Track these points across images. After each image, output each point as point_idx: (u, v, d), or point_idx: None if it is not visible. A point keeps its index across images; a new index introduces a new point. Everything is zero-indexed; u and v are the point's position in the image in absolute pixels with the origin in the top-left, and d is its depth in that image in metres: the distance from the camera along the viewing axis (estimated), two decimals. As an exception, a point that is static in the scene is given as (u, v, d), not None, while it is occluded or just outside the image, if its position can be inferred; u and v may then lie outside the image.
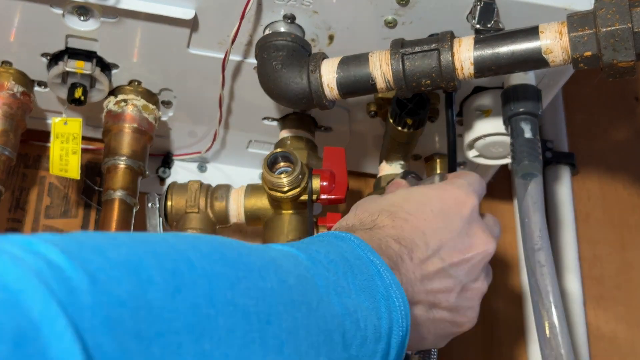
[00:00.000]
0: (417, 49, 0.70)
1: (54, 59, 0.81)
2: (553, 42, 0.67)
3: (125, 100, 0.84)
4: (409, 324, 0.54)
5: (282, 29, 0.76)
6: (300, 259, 0.50)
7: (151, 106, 0.85)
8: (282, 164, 0.79)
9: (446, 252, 0.62)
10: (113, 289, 0.37)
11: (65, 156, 0.81)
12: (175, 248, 0.42)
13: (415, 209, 0.63)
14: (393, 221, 0.61)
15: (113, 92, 0.85)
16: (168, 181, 0.97)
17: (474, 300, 0.64)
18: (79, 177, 0.81)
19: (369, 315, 0.51)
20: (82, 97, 0.81)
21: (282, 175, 0.78)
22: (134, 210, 0.83)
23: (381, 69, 0.71)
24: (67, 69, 0.80)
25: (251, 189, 0.84)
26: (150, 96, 0.86)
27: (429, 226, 0.62)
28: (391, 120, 0.81)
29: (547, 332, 0.69)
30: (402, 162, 0.86)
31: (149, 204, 0.84)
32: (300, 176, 0.78)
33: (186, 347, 0.38)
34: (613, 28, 0.64)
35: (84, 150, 0.86)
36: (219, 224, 0.85)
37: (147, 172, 0.86)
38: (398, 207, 0.63)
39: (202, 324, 0.40)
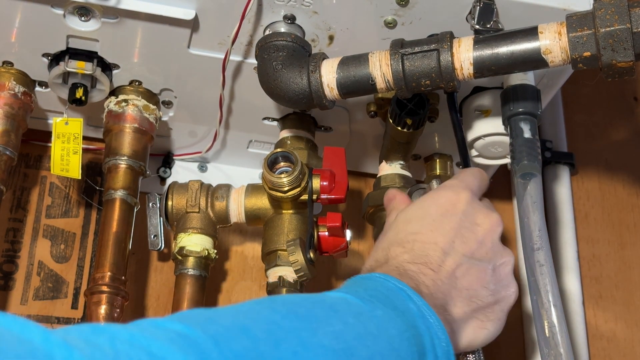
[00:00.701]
0: (416, 49, 0.70)
1: (55, 59, 0.81)
2: (552, 43, 0.67)
3: (126, 101, 0.85)
4: (447, 336, 0.59)
5: (282, 30, 0.76)
6: (349, 300, 0.57)
7: (152, 106, 0.85)
8: (282, 164, 0.79)
9: (460, 246, 0.66)
10: (233, 346, 0.46)
11: (66, 156, 0.81)
12: (262, 312, 0.52)
13: (419, 226, 0.67)
14: (403, 247, 0.66)
15: (114, 92, 0.85)
16: (169, 181, 0.97)
17: (508, 275, 0.67)
18: (79, 177, 0.81)
19: (413, 334, 0.57)
20: (83, 97, 0.82)
21: (283, 175, 0.78)
22: (135, 210, 0.84)
23: (381, 69, 0.71)
24: (68, 69, 0.80)
25: (251, 189, 0.85)
26: (150, 96, 0.86)
27: (436, 234, 0.66)
28: (391, 120, 0.82)
29: (547, 331, 0.70)
30: (402, 162, 0.86)
31: (150, 204, 0.85)
32: (300, 176, 0.78)
33: None
34: (612, 28, 0.65)
35: (84, 150, 0.86)
36: (219, 223, 0.85)
37: (147, 172, 0.86)
38: (403, 233, 0.67)
39: None
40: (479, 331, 0.66)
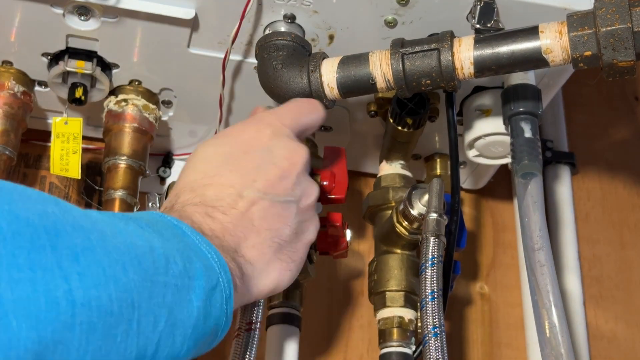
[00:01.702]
0: (417, 48, 0.70)
1: (55, 58, 0.81)
2: (553, 42, 0.67)
3: (125, 100, 0.84)
4: (227, 271, 0.56)
5: (283, 29, 0.76)
6: (105, 216, 0.52)
7: (152, 106, 0.85)
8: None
9: (260, 185, 0.63)
10: None
11: (65, 156, 0.81)
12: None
13: (217, 167, 0.63)
14: (194, 192, 0.62)
15: (113, 91, 0.85)
16: (168, 181, 0.97)
17: (310, 208, 0.66)
18: (79, 177, 0.81)
19: (179, 255, 0.53)
20: (83, 97, 0.81)
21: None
22: (135, 210, 0.84)
23: (381, 68, 0.71)
24: (68, 68, 0.80)
25: (251, 189, 0.84)
26: (150, 96, 0.86)
27: (235, 175, 0.63)
28: (391, 120, 0.82)
29: (547, 331, 0.69)
30: (402, 162, 0.86)
31: (150, 204, 0.84)
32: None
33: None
34: (613, 28, 0.65)
35: (84, 150, 0.86)
36: (219, 223, 0.85)
37: (147, 172, 0.86)
38: (200, 174, 0.63)
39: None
40: (284, 273, 0.63)
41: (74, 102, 0.81)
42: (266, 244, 0.62)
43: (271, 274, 0.62)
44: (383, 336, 0.79)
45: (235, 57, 0.81)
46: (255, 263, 0.61)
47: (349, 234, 0.80)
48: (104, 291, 0.46)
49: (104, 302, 0.46)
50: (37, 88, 0.86)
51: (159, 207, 0.83)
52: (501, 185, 1.06)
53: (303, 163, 0.66)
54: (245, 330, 0.66)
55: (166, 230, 0.55)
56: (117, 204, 0.82)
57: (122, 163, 0.83)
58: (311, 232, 0.66)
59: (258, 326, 0.66)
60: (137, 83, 0.85)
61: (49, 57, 0.82)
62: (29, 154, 0.96)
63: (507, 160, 0.88)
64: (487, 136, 0.85)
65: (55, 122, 0.82)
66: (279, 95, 0.74)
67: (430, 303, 0.70)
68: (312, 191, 0.66)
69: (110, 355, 0.46)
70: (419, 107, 0.80)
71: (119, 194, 0.82)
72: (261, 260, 0.61)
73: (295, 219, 0.64)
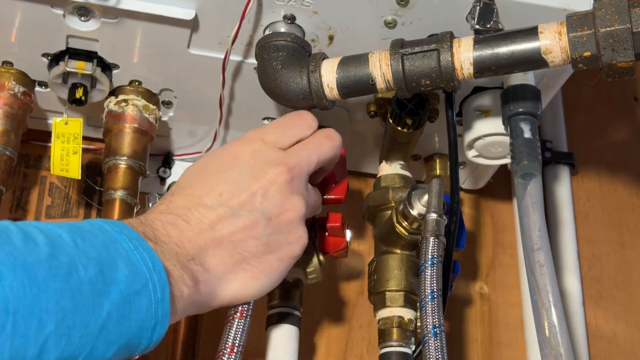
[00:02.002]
0: (416, 49, 0.70)
1: (55, 59, 0.81)
2: (552, 43, 0.67)
3: (125, 101, 0.85)
4: (163, 276, 0.57)
5: (282, 29, 0.76)
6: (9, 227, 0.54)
7: (152, 106, 0.85)
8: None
9: (228, 200, 0.64)
10: None
11: (66, 156, 0.81)
12: None
13: (192, 180, 0.66)
14: (164, 199, 0.65)
15: (114, 92, 0.85)
16: (169, 181, 0.97)
17: (290, 223, 0.66)
18: (79, 177, 0.81)
19: (92, 264, 0.54)
20: (83, 97, 0.82)
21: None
22: (135, 210, 0.84)
23: (381, 69, 0.71)
24: (68, 69, 0.80)
25: (251, 189, 0.84)
26: (150, 96, 0.86)
27: (204, 189, 0.65)
28: (391, 120, 0.82)
29: (547, 331, 0.70)
30: (402, 162, 0.86)
31: (150, 204, 0.84)
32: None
33: None
34: (612, 28, 0.65)
35: (84, 150, 0.86)
36: (219, 223, 0.85)
37: (147, 172, 0.86)
38: (175, 187, 0.67)
39: None
40: (249, 282, 0.64)
41: (74, 102, 0.82)
42: (227, 253, 0.63)
43: (232, 283, 0.64)
44: (383, 336, 0.79)
45: (235, 57, 0.81)
46: (214, 271, 0.63)
47: (349, 234, 0.80)
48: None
49: None
50: (37, 88, 0.86)
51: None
52: (501, 185, 1.06)
53: (279, 182, 0.66)
54: (237, 317, 0.67)
55: (98, 240, 0.57)
56: (117, 204, 0.82)
57: (122, 163, 0.83)
58: (292, 247, 0.66)
59: (250, 313, 0.67)
60: (137, 83, 0.85)
61: (49, 58, 0.82)
62: (29, 154, 0.96)
63: (507, 160, 0.88)
64: (487, 136, 0.85)
65: (56, 123, 0.82)
66: (279, 95, 0.74)
67: (430, 303, 0.70)
68: (293, 206, 0.66)
69: None
70: (418, 108, 0.80)
71: (119, 194, 0.82)
72: (220, 269, 0.63)
73: (263, 232, 0.65)
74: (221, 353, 0.66)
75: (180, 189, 0.66)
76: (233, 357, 0.65)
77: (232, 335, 0.66)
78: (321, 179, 0.75)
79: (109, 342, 0.55)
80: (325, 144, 0.71)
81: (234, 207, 0.64)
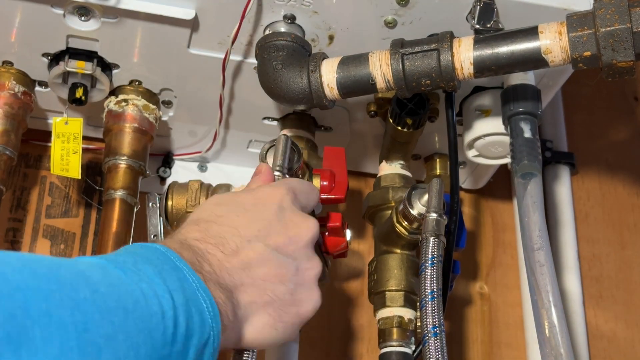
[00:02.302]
0: (417, 49, 0.70)
1: (55, 59, 0.81)
2: (552, 42, 0.67)
3: (125, 100, 0.85)
4: (218, 321, 0.55)
5: (282, 29, 0.76)
6: (108, 268, 0.52)
7: (152, 106, 0.85)
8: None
9: (266, 237, 0.63)
10: None
11: (66, 156, 0.81)
12: None
13: (226, 210, 0.64)
14: (198, 226, 0.62)
15: (114, 92, 0.85)
16: (168, 181, 0.97)
17: (311, 280, 0.65)
18: (79, 177, 0.81)
19: (184, 313, 0.53)
20: (83, 97, 0.82)
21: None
22: (135, 210, 0.84)
23: (381, 69, 0.71)
24: (68, 69, 0.80)
25: (251, 189, 0.84)
26: (150, 96, 0.86)
27: (241, 220, 0.63)
28: (391, 120, 0.82)
29: (547, 331, 0.70)
30: (402, 162, 0.86)
31: (150, 204, 0.85)
32: (300, 175, 0.78)
33: (6, 356, 0.41)
34: (612, 28, 0.65)
35: (84, 150, 0.86)
36: (219, 223, 0.85)
37: (147, 172, 0.86)
38: (206, 213, 0.64)
39: (20, 334, 0.42)
40: (267, 329, 0.62)
41: (74, 102, 0.82)
42: (258, 293, 0.61)
43: (256, 324, 0.61)
44: (383, 336, 0.79)
45: (235, 57, 0.81)
46: (245, 308, 0.60)
47: (349, 234, 0.80)
48: None
49: None
50: (37, 88, 0.86)
51: (159, 208, 0.83)
52: (501, 185, 1.06)
53: (311, 235, 0.66)
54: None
55: (165, 266, 0.54)
56: (117, 204, 0.82)
57: (122, 163, 0.83)
58: (309, 306, 0.65)
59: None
60: (137, 83, 0.85)
61: (50, 58, 0.82)
62: (29, 154, 0.96)
63: (507, 160, 0.88)
64: (487, 136, 0.85)
65: (56, 122, 0.82)
66: (279, 95, 0.74)
67: (430, 303, 0.70)
68: (317, 264, 0.66)
69: None
70: (418, 108, 0.80)
71: (119, 194, 0.82)
72: (250, 307, 0.61)
73: (291, 281, 0.63)
74: None
75: (215, 216, 0.63)
76: None
77: None
78: None
79: None
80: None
81: (270, 247, 0.63)
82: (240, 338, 0.61)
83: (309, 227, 0.66)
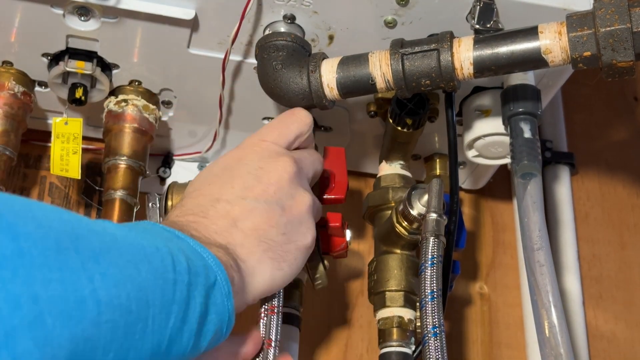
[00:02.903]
0: (416, 49, 0.70)
1: (55, 59, 0.81)
2: (552, 42, 0.67)
3: (125, 100, 0.85)
4: (223, 269, 0.58)
5: (282, 29, 0.76)
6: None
7: (151, 106, 0.85)
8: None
9: (240, 191, 0.65)
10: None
11: (65, 156, 0.81)
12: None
13: (199, 183, 0.67)
14: (176, 208, 0.65)
15: (113, 92, 0.85)
16: (168, 181, 0.97)
17: (300, 214, 0.67)
18: (79, 177, 0.81)
19: (181, 255, 0.55)
20: (83, 97, 0.82)
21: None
22: (135, 210, 0.84)
23: (381, 69, 0.71)
24: (68, 69, 0.80)
25: (251, 189, 0.84)
26: (150, 96, 0.86)
27: (212, 187, 0.65)
28: (391, 120, 0.82)
29: (547, 331, 0.70)
30: (402, 162, 0.86)
31: (150, 204, 0.84)
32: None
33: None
34: (612, 28, 0.65)
35: (84, 150, 0.86)
36: (219, 223, 0.85)
37: (147, 172, 0.86)
38: (189, 191, 0.67)
39: None
40: (275, 272, 0.64)
41: (74, 102, 0.82)
42: (254, 243, 0.63)
43: (264, 272, 0.63)
44: (383, 336, 0.79)
45: (235, 57, 0.81)
46: (247, 261, 0.62)
47: (349, 234, 0.80)
48: (123, 290, 0.48)
49: (123, 301, 0.48)
50: (37, 88, 0.86)
51: (159, 208, 0.83)
52: (501, 185, 1.06)
53: (287, 174, 0.67)
54: (268, 313, 0.67)
55: (162, 234, 0.57)
56: (117, 204, 0.82)
57: (122, 163, 0.83)
58: (305, 237, 0.67)
59: (280, 309, 0.67)
60: (137, 83, 0.85)
61: (49, 58, 0.82)
62: (29, 154, 0.96)
63: (507, 160, 0.88)
64: (487, 136, 0.85)
65: (56, 123, 0.82)
66: (279, 95, 0.74)
67: (429, 303, 0.70)
68: (302, 198, 0.67)
69: (130, 352, 0.48)
70: (418, 108, 0.80)
71: (119, 194, 0.82)
72: (252, 258, 0.63)
73: (281, 221, 0.65)
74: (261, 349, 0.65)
75: (189, 195, 0.66)
76: (272, 351, 0.65)
77: (267, 330, 0.66)
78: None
79: (200, 336, 0.55)
80: (316, 155, 0.73)
81: (250, 199, 0.65)
82: (255, 289, 0.63)
83: (284, 167, 0.67)
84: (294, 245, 0.66)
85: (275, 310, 0.67)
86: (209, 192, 0.65)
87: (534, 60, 0.68)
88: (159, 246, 0.53)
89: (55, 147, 0.81)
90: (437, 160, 0.96)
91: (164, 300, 0.51)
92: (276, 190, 0.66)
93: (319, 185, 0.78)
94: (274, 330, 0.66)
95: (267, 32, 0.77)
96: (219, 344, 0.58)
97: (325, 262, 0.78)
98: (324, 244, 0.79)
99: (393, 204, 0.82)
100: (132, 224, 0.58)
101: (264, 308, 0.67)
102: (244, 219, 0.64)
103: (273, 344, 0.66)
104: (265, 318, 0.66)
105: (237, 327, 0.61)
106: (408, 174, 0.86)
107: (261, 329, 0.66)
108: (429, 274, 0.71)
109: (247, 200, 0.64)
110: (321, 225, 0.80)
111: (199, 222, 0.62)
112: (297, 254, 0.66)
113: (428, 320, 0.69)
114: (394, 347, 0.78)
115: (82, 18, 0.77)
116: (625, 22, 0.64)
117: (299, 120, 0.72)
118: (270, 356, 0.65)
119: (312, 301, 0.92)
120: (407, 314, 0.79)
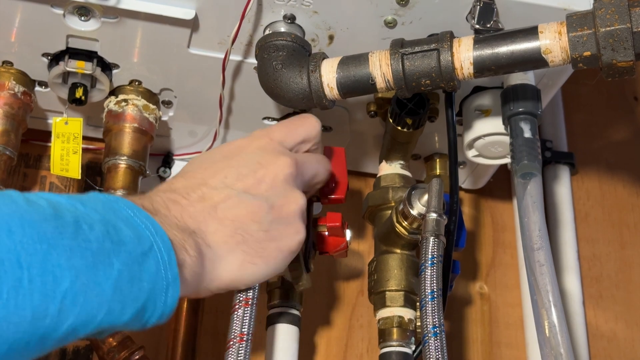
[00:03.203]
0: (416, 48, 0.70)
1: (55, 59, 0.81)
2: (552, 42, 0.67)
3: (125, 100, 0.85)
4: (166, 240, 0.57)
5: (282, 29, 0.76)
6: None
7: (152, 106, 0.85)
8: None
9: (233, 182, 0.65)
10: None
11: (66, 156, 0.81)
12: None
13: (196, 165, 0.67)
14: (172, 178, 0.66)
15: (114, 92, 0.85)
16: (168, 181, 0.97)
17: (289, 215, 0.66)
18: (79, 177, 0.81)
19: (98, 224, 0.55)
20: (83, 97, 0.82)
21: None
22: (135, 210, 0.83)
23: (381, 68, 0.71)
24: (68, 69, 0.80)
25: (251, 189, 0.84)
26: (150, 96, 0.86)
27: (206, 172, 0.65)
28: (391, 120, 0.82)
29: (547, 331, 0.70)
30: (402, 162, 0.86)
31: (150, 204, 0.85)
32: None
33: None
34: (612, 28, 0.65)
35: (84, 150, 0.86)
36: (219, 223, 0.85)
37: (147, 172, 0.86)
38: (185, 170, 0.67)
39: None
40: (246, 265, 0.63)
41: (74, 102, 0.82)
42: (228, 232, 0.63)
43: (232, 262, 0.63)
44: (383, 336, 0.79)
45: (235, 57, 0.81)
46: (215, 248, 0.62)
47: (349, 234, 0.80)
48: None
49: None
50: (37, 88, 0.86)
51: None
52: (501, 185, 1.06)
53: (284, 173, 0.67)
54: (242, 305, 0.66)
55: (98, 205, 0.56)
56: (117, 204, 0.82)
57: (122, 163, 0.83)
58: (291, 240, 0.66)
59: (255, 302, 0.66)
60: (137, 83, 0.85)
61: (49, 58, 0.82)
62: (29, 154, 0.96)
63: (507, 160, 0.88)
64: (487, 136, 0.85)
65: (56, 122, 0.82)
66: (279, 95, 0.74)
67: (430, 303, 0.70)
68: (295, 199, 0.67)
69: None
70: (418, 107, 0.80)
71: (119, 194, 0.82)
72: (222, 247, 0.62)
73: (265, 219, 0.64)
74: (231, 343, 0.64)
75: (183, 174, 0.66)
76: (244, 346, 0.64)
77: (240, 323, 0.65)
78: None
79: (124, 303, 0.54)
80: (324, 162, 0.73)
81: (239, 190, 0.65)
82: (221, 278, 0.63)
83: (282, 166, 0.67)
84: (275, 245, 0.65)
85: (250, 303, 0.65)
86: (200, 175, 0.65)
87: (534, 60, 0.68)
88: (64, 215, 0.53)
89: (56, 147, 0.81)
90: (437, 160, 0.96)
91: (49, 265, 0.50)
92: (268, 188, 0.66)
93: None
94: (247, 324, 0.64)
95: (267, 32, 0.77)
96: (165, 314, 0.57)
97: (311, 265, 0.77)
98: (324, 244, 0.79)
99: (393, 204, 0.82)
100: (85, 195, 0.58)
101: (238, 299, 0.65)
102: (225, 208, 0.63)
103: (245, 338, 0.64)
104: (239, 310, 0.65)
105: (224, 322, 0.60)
106: (408, 173, 0.86)
107: (234, 321, 0.65)
108: (429, 273, 0.71)
109: (234, 190, 0.64)
110: (321, 225, 0.80)
111: (178, 201, 0.62)
112: (278, 254, 0.65)
113: (428, 320, 0.70)
114: (394, 347, 0.78)
115: (82, 18, 0.77)
116: (625, 22, 0.64)
117: (308, 125, 0.72)
118: (242, 352, 0.64)
119: (312, 301, 0.92)
120: (407, 313, 0.79)
